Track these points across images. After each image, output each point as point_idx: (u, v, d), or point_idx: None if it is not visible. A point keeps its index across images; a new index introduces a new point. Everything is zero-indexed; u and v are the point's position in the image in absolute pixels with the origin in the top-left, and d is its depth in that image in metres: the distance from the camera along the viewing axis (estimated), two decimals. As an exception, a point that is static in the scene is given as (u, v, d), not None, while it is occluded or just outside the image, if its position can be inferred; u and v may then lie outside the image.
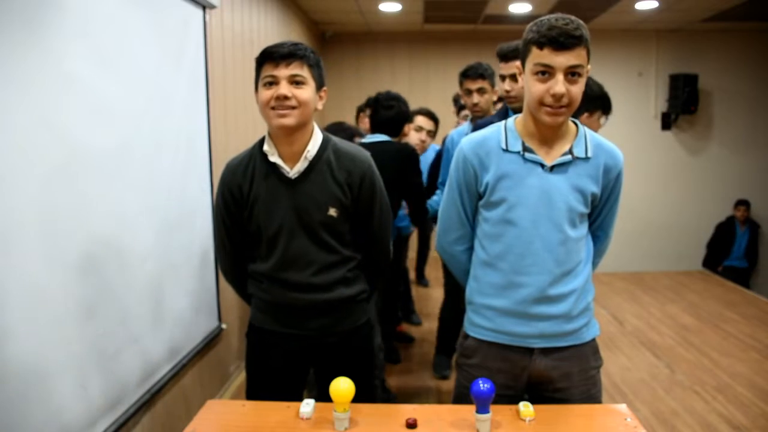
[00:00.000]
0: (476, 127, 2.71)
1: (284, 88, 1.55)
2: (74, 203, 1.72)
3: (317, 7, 5.15)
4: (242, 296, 1.85)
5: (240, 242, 1.73)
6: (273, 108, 1.57)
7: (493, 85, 2.91)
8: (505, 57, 2.43)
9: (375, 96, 2.82)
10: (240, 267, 1.78)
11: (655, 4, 5.13)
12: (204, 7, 2.74)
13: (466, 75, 2.97)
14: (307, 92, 1.59)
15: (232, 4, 3.29)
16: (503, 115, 2.54)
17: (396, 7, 5.21)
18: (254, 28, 3.74)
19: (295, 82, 1.57)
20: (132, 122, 2.06)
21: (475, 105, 2.96)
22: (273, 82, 1.57)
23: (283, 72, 1.55)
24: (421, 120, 3.33)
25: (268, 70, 1.57)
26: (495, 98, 2.99)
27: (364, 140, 2.79)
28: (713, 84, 6.25)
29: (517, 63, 2.36)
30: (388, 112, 2.69)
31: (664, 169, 6.42)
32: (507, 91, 2.41)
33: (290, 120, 1.57)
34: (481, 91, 2.93)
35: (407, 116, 2.79)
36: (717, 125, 6.37)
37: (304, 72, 1.58)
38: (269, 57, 1.57)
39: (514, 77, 2.36)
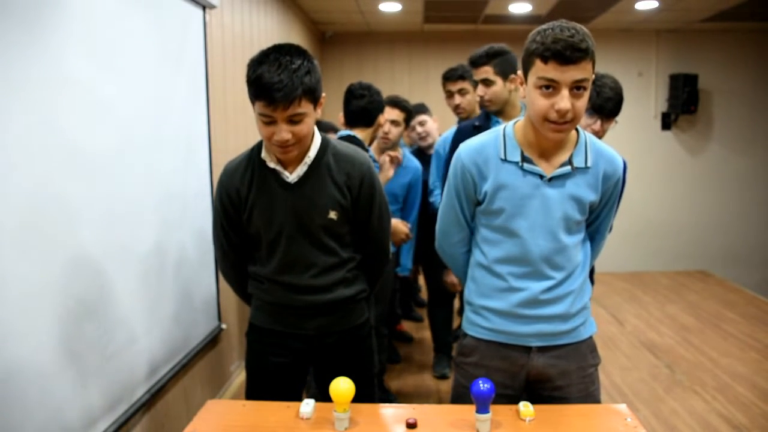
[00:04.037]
0: (458, 130, 2.72)
1: (285, 132, 1.50)
2: (74, 203, 1.72)
3: (317, 7, 5.15)
4: (242, 297, 1.86)
5: (239, 245, 1.73)
6: (274, 145, 1.54)
7: (474, 86, 2.93)
8: (474, 63, 2.46)
9: (347, 87, 2.70)
10: (239, 269, 1.78)
11: (655, 4, 5.13)
12: (204, 7, 2.73)
13: (447, 77, 3.02)
14: (307, 124, 1.54)
15: (232, 5, 3.29)
16: (484, 117, 2.55)
17: (396, 7, 5.21)
18: (254, 28, 3.74)
19: (294, 120, 1.50)
20: (132, 122, 2.06)
21: (457, 106, 3.00)
22: (271, 121, 1.50)
23: (281, 114, 1.48)
24: (388, 111, 3.01)
25: (264, 109, 1.48)
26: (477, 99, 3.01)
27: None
28: (713, 84, 6.25)
29: (486, 68, 2.40)
30: (360, 102, 2.60)
31: (664, 169, 6.42)
32: (481, 96, 2.45)
33: (293, 154, 1.58)
34: (462, 92, 2.97)
35: (380, 106, 2.66)
36: (717, 125, 6.37)
37: (303, 107, 1.50)
38: (264, 96, 1.46)
39: (484, 81, 2.41)
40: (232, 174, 1.67)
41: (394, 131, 3.01)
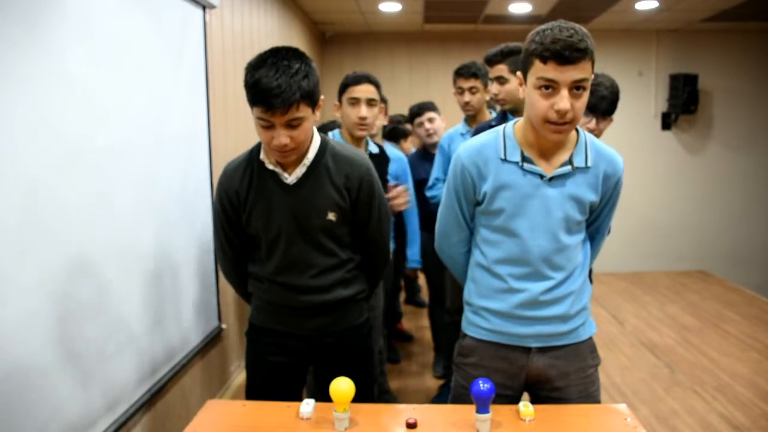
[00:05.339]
0: (477, 130, 2.72)
1: (283, 137, 1.49)
2: (73, 203, 1.72)
3: (317, 7, 5.15)
4: (242, 296, 1.86)
5: (239, 245, 1.73)
6: (273, 149, 1.54)
7: (485, 85, 2.90)
8: (489, 62, 2.48)
9: None
10: (240, 268, 1.78)
11: (655, 4, 5.13)
12: (204, 7, 2.73)
13: (459, 74, 2.99)
14: (306, 129, 1.53)
15: (232, 4, 3.29)
16: (501, 117, 2.55)
17: (396, 7, 5.21)
18: (254, 28, 3.74)
19: (293, 125, 1.50)
20: (132, 122, 2.06)
21: (467, 104, 2.97)
22: (270, 126, 1.50)
23: (279, 119, 1.48)
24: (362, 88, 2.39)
25: (263, 114, 1.48)
26: (488, 98, 2.99)
27: None
28: (713, 84, 6.25)
29: (501, 66, 2.40)
30: None
31: (664, 169, 6.42)
32: (495, 94, 2.46)
33: (291, 158, 1.58)
34: (472, 90, 2.94)
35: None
36: (717, 125, 6.37)
37: (301, 111, 1.49)
38: (262, 102, 1.46)
39: (499, 79, 2.42)
40: (232, 175, 1.67)
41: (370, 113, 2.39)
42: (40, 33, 1.57)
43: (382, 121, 2.62)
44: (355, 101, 2.31)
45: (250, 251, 1.74)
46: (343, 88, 2.36)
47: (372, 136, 2.65)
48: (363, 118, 2.31)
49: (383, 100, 2.65)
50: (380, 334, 2.89)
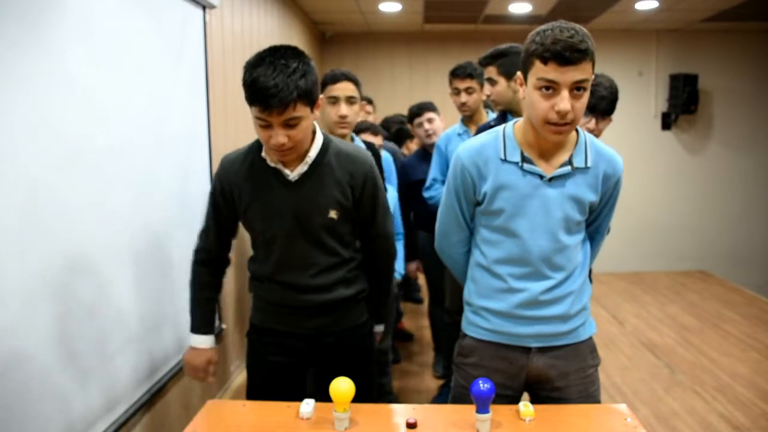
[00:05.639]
0: (478, 131, 2.73)
1: (281, 137, 1.49)
2: (73, 202, 1.71)
3: (317, 7, 5.15)
4: (192, 300, 1.79)
5: (226, 234, 1.75)
6: (271, 148, 1.54)
7: (481, 85, 2.89)
8: (480, 64, 2.52)
9: None
10: (208, 272, 1.77)
11: (655, 4, 5.14)
12: (204, 7, 2.73)
13: (455, 74, 2.98)
14: (303, 128, 1.53)
15: (232, 4, 3.29)
16: (501, 117, 2.55)
17: (396, 7, 5.21)
18: (254, 28, 3.74)
19: (290, 124, 1.50)
20: (132, 122, 2.06)
21: (463, 104, 2.96)
22: (267, 125, 1.50)
23: (277, 119, 1.48)
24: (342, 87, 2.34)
25: (260, 113, 1.48)
26: (484, 98, 2.99)
27: None
28: (713, 84, 6.25)
29: (491, 69, 2.41)
30: None
31: (664, 169, 6.42)
32: (488, 96, 2.49)
33: (290, 157, 1.58)
34: (469, 90, 2.93)
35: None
36: (717, 125, 6.37)
37: (298, 111, 1.49)
38: (259, 101, 1.46)
39: (489, 81, 2.45)
40: (228, 168, 1.68)
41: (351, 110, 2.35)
42: (40, 33, 1.57)
43: (372, 119, 2.62)
44: (334, 100, 2.30)
45: (226, 255, 1.78)
46: (322, 86, 2.34)
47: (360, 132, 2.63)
48: (343, 117, 2.29)
49: (363, 98, 2.61)
50: (390, 334, 2.88)
